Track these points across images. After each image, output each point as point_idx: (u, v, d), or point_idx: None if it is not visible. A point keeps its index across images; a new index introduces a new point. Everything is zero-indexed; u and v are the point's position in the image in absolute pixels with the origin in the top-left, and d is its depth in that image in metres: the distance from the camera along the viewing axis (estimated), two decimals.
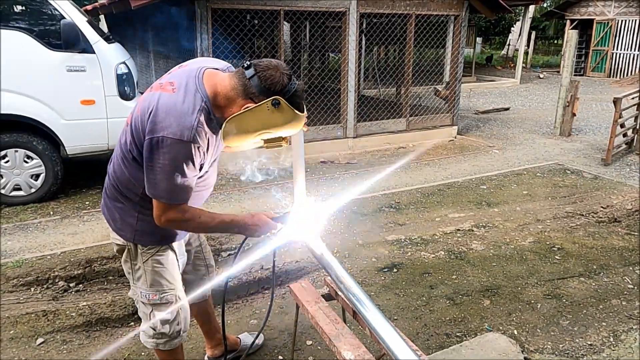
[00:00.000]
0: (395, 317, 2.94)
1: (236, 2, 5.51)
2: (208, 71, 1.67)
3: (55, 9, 4.35)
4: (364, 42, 9.41)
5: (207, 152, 1.65)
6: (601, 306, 3.08)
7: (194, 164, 1.59)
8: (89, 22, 4.59)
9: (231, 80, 1.62)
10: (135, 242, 1.85)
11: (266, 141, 1.70)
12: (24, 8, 4.89)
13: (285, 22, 6.75)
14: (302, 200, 1.95)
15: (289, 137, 1.75)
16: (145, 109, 1.60)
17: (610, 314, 3.00)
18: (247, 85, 1.58)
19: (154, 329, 1.96)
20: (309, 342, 2.69)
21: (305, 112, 1.66)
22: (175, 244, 1.92)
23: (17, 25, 4.36)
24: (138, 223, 1.80)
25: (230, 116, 1.60)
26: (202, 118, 1.57)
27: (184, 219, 1.68)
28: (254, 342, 2.43)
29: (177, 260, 1.96)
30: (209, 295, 2.35)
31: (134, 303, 2.90)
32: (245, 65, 1.60)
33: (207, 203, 4.65)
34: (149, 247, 1.86)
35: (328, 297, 2.18)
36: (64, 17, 4.28)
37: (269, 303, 2.12)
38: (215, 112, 1.63)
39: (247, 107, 1.58)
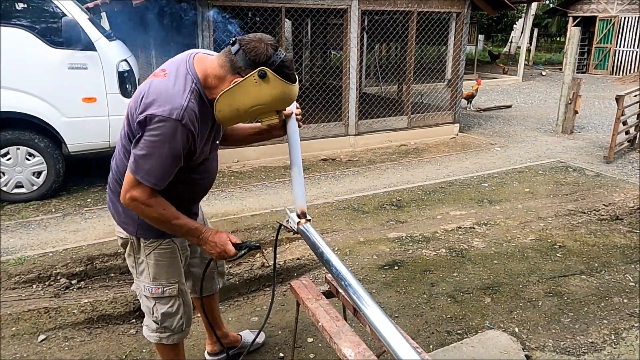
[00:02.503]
0: (396, 315, 2.94)
1: None
2: (199, 55, 1.70)
3: (57, 7, 4.35)
4: (365, 39, 9.39)
5: (197, 137, 1.64)
6: (602, 304, 3.08)
7: (179, 147, 1.58)
8: (91, 20, 4.59)
9: (219, 59, 1.64)
10: (138, 236, 1.85)
11: (261, 116, 1.70)
12: (25, 6, 4.90)
13: (286, 20, 6.73)
14: (300, 199, 1.93)
15: (282, 115, 1.76)
16: (138, 95, 1.63)
17: (612, 311, 2.99)
18: (234, 61, 1.59)
19: (157, 323, 1.96)
20: (309, 340, 2.70)
21: (296, 82, 1.65)
22: (178, 238, 1.92)
23: (19, 22, 4.36)
24: (140, 216, 1.80)
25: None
26: (193, 99, 1.59)
27: (147, 202, 1.63)
28: (255, 339, 2.43)
29: (180, 254, 1.96)
30: (217, 289, 2.36)
31: (135, 300, 2.91)
32: (231, 41, 1.62)
33: (208, 200, 4.65)
34: (152, 241, 1.86)
35: (329, 295, 2.18)
36: (65, 15, 4.28)
37: (270, 300, 2.12)
38: (208, 94, 1.65)
39: (235, 81, 1.59)
